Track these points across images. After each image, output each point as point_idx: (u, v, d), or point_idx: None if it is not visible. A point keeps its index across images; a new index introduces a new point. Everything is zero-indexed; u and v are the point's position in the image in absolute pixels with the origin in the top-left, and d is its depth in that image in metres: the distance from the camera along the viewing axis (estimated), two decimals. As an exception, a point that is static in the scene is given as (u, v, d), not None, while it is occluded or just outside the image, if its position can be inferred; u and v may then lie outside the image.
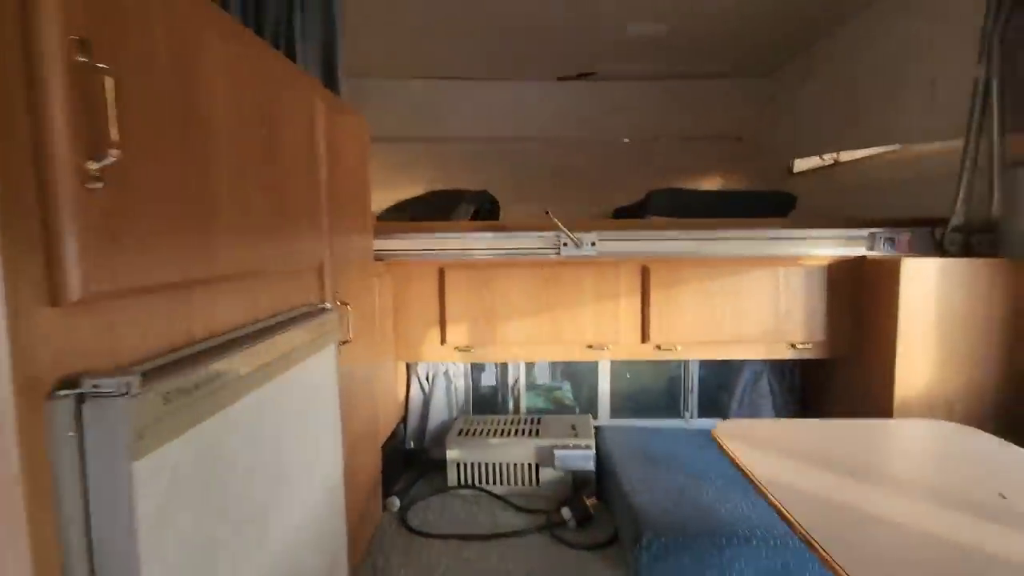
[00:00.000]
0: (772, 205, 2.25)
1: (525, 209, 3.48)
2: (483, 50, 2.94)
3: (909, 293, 1.65)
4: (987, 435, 1.25)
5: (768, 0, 2.31)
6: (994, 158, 1.70)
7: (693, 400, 2.24)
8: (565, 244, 1.82)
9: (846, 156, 2.73)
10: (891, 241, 1.82)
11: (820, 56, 2.82)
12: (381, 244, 1.85)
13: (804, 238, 1.83)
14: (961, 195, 1.77)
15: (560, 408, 2.35)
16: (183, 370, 0.63)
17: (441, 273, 1.88)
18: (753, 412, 2.17)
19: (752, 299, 1.86)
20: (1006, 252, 1.74)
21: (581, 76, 3.36)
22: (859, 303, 1.84)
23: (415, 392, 2.20)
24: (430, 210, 2.79)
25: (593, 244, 1.83)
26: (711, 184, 3.51)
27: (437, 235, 1.88)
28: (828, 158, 2.83)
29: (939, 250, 1.81)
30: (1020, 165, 1.70)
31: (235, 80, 0.81)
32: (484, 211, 2.75)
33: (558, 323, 1.87)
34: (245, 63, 0.85)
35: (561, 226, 1.80)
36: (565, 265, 1.87)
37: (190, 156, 0.70)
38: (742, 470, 1.07)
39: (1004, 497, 0.95)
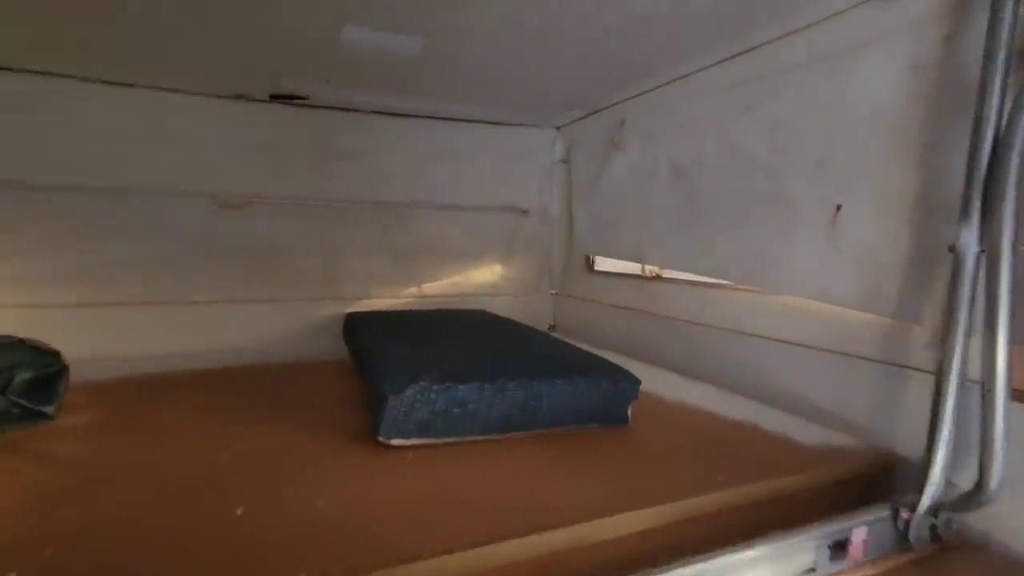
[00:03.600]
0: (608, 404, 1.24)
1: (170, 336, 1.95)
2: (92, 32, 1.37)
3: None
4: None
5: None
6: (996, 391, 0.93)
7: None
8: None
9: (674, 272, 1.95)
10: (840, 547, 0.94)
11: (638, 113, 1.98)
12: None
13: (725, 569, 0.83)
14: (940, 457, 0.98)
15: None
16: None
17: None
18: None
19: None
20: (997, 546, 1.01)
21: (278, 99, 1.98)
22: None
23: None
24: None
25: None
26: (487, 274, 2.48)
27: None
28: (648, 269, 2.02)
29: (904, 542, 1.00)
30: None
31: None
32: (17, 401, 1.19)
33: None
34: None
35: None
36: None
37: None
38: None
39: None
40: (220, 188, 2.01)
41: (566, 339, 1.89)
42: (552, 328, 2.57)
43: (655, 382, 1.58)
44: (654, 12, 1.24)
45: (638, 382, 1.28)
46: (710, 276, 1.69)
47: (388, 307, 2.25)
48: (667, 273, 1.98)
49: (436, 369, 1.15)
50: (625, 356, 1.86)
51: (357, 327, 1.90)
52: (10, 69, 1.68)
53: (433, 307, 2.28)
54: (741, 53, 1.49)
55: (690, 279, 1.82)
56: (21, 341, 1.25)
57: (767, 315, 1.50)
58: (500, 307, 2.31)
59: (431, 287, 2.38)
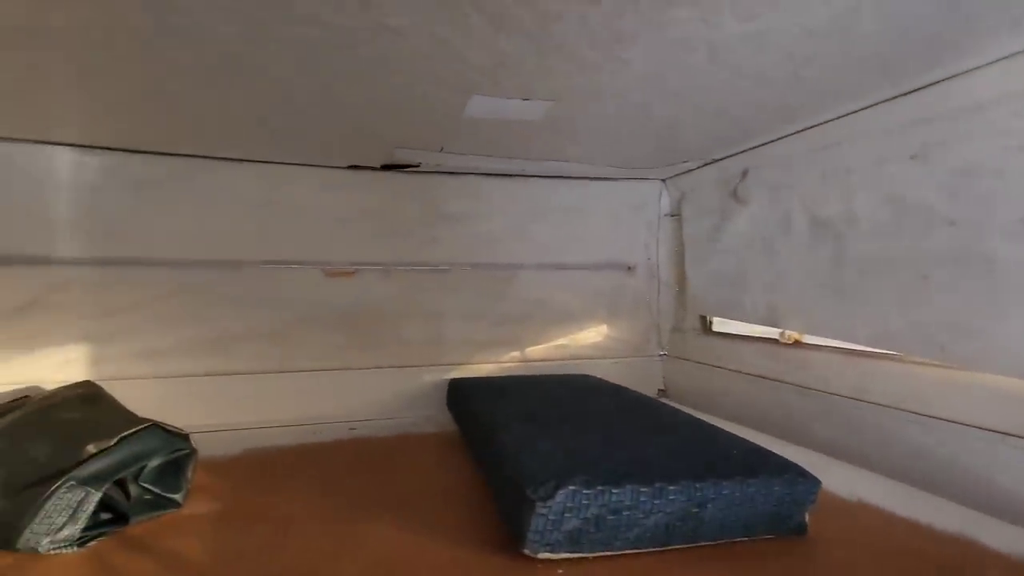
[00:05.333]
0: (782, 509, 1.04)
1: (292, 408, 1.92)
2: (218, 115, 1.43)
3: None
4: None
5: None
6: None
7: None
8: None
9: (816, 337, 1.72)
10: None
11: (765, 162, 1.82)
12: None
13: None
14: None
15: None
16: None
17: None
18: None
19: None
20: None
21: (390, 168, 1.99)
22: None
23: None
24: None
25: None
26: (592, 335, 2.34)
27: None
28: (786, 334, 1.80)
29: None
30: None
31: None
32: (149, 488, 1.17)
33: None
34: None
35: None
36: None
37: None
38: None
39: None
40: (329, 256, 2.02)
41: (680, 406, 1.69)
42: (662, 392, 2.36)
43: (817, 471, 1.35)
44: (816, 54, 1.10)
45: (818, 483, 1.07)
46: (874, 346, 1.46)
47: (490, 372, 2.15)
48: (809, 338, 1.75)
49: (585, 468, 1.01)
50: (756, 430, 1.67)
51: (464, 397, 1.81)
52: (140, 152, 1.77)
53: (535, 372, 2.16)
54: (906, 93, 1.31)
55: (843, 347, 1.58)
56: (155, 424, 1.24)
57: (963, 396, 1.25)
58: (605, 370, 2.15)
59: (534, 351, 2.26)
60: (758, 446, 1.20)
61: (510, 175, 2.17)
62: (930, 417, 1.30)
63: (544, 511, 0.94)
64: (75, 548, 1.02)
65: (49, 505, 1.01)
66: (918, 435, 1.31)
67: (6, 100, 1.34)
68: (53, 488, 1.02)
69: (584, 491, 0.95)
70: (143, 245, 1.81)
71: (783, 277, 1.73)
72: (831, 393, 1.57)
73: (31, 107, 1.40)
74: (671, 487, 0.99)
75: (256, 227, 1.94)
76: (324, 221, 2.00)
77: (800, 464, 1.11)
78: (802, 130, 1.60)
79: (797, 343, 1.76)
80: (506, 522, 1.06)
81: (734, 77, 1.21)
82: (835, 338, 1.58)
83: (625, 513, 0.97)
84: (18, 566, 0.97)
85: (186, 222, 1.86)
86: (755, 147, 1.81)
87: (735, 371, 1.97)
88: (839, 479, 1.31)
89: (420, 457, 1.59)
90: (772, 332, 1.87)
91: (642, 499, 0.98)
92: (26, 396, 1.49)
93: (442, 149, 1.73)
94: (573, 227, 2.30)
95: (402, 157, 1.83)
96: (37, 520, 1.00)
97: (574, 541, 0.96)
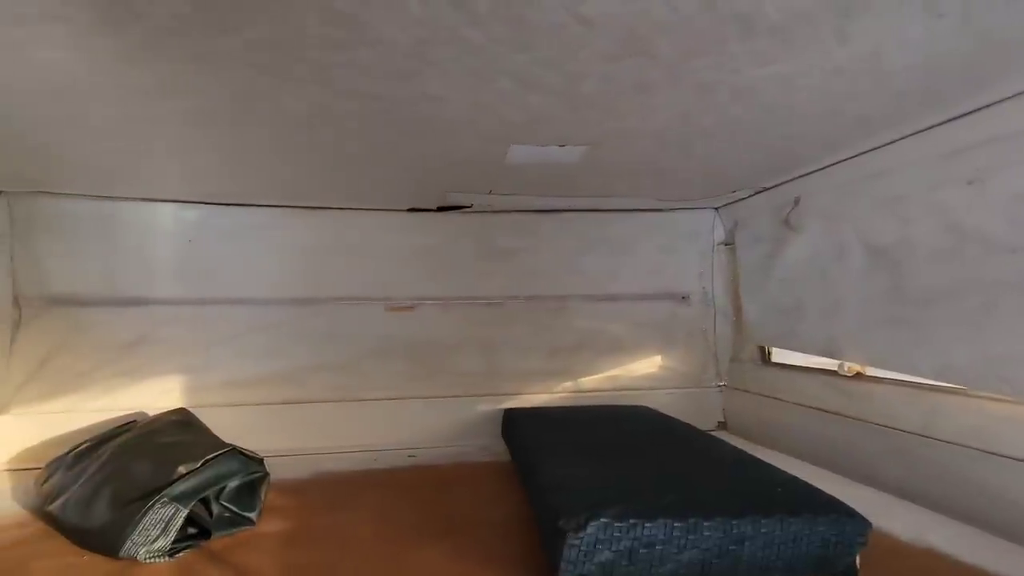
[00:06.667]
0: (828, 551, 1.02)
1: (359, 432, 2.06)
2: (288, 168, 1.62)
3: None
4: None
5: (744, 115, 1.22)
6: None
7: None
8: None
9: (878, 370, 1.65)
10: None
11: (817, 190, 1.79)
12: None
13: None
14: None
15: None
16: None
17: None
18: None
19: None
20: None
21: (445, 209, 2.12)
22: None
23: None
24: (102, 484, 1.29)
25: None
26: (646, 366, 2.33)
27: None
28: (846, 366, 1.73)
29: None
30: None
31: None
32: (228, 507, 1.31)
33: None
34: None
35: None
36: None
37: None
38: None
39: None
40: (391, 292, 2.17)
41: (740, 440, 1.65)
42: (722, 425, 2.31)
43: (877, 511, 1.28)
44: (850, 90, 1.11)
45: (867, 525, 1.03)
46: (938, 379, 1.38)
47: (544, 403, 2.20)
48: (871, 370, 1.68)
49: (617, 500, 1.03)
50: (818, 466, 1.63)
51: (517, 427, 1.86)
52: (228, 204, 2.00)
53: (591, 402, 2.19)
54: (956, 118, 1.27)
55: (907, 380, 1.51)
56: (234, 448, 1.39)
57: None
58: (662, 401, 2.14)
59: (588, 381, 2.29)
60: (807, 484, 1.18)
61: (559, 211, 2.24)
62: (1000, 456, 1.21)
63: (576, 542, 0.97)
64: (166, 558, 1.16)
65: (146, 519, 1.17)
66: (987, 475, 1.23)
67: (121, 167, 1.59)
68: (149, 504, 1.18)
69: (616, 524, 0.98)
70: (231, 286, 2.03)
71: (840, 307, 1.68)
72: (895, 428, 1.50)
73: (140, 172, 1.65)
74: (706, 523, 1.00)
75: (327, 267, 2.12)
76: (386, 260, 2.16)
77: (861, 504, 1.08)
78: (850, 158, 1.57)
79: (859, 375, 1.69)
80: (546, 552, 1.10)
81: (765, 114, 1.23)
82: (896, 371, 1.51)
83: (658, 547, 0.99)
84: (122, 572, 1.12)
85: (267, 265, 2.07)
86: (805, 175, 1.78)
87: (796, 404, 1.91)
88: (901, 520, 1.25)
89: (473, 485, 1.66)
90: (832, 364, 1.80)
91: (675, 534, 0.99)
92: (133, 421, 1.71)
93: (491, 192, 1.84)
94: (624, 258, 2.32)
95: (455, 199, 1.96)
96: (137, 532, 1.16)
97: (607, 573, 0.99)
